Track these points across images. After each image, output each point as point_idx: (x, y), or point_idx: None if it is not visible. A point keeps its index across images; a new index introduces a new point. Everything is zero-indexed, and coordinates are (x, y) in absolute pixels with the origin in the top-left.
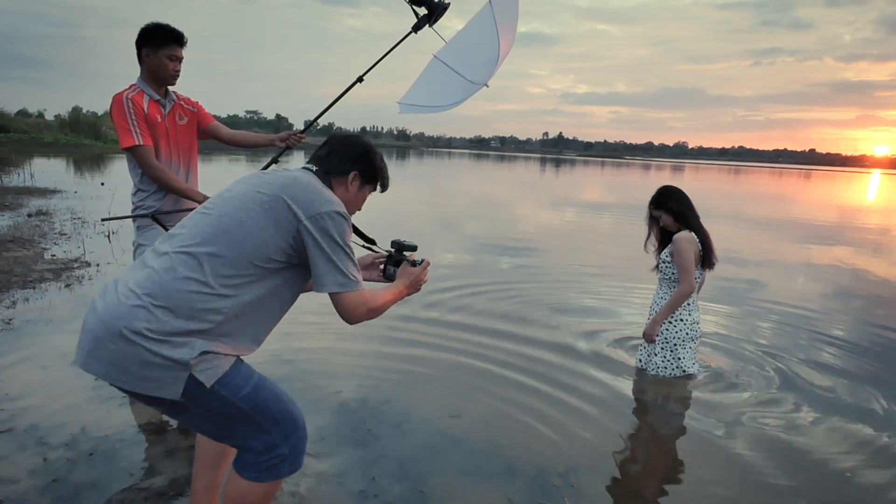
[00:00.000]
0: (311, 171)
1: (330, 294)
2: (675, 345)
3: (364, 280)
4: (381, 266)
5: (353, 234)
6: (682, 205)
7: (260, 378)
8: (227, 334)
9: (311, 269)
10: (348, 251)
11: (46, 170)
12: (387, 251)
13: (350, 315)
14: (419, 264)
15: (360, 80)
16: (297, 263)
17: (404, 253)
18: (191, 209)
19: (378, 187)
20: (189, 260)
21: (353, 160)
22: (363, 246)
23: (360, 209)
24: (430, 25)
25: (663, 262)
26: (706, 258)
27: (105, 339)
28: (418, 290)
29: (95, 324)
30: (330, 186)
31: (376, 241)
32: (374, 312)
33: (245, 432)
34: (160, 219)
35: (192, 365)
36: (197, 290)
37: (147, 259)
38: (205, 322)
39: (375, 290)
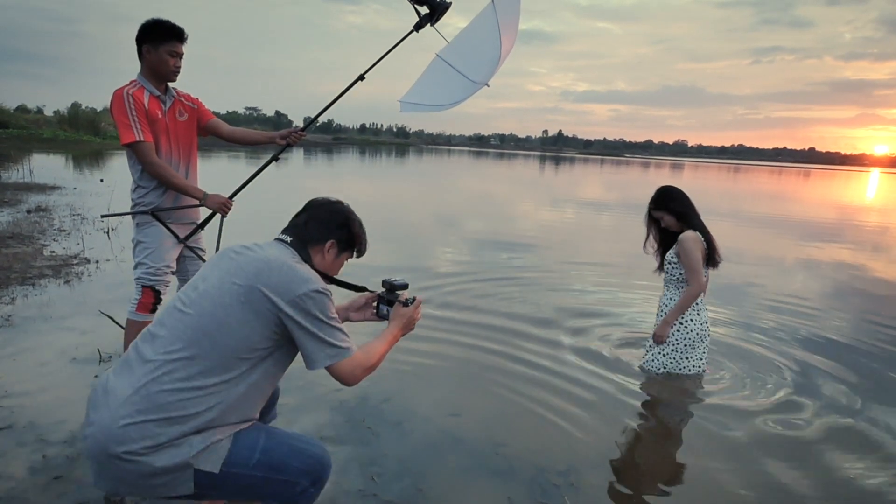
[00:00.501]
0: (286, 242)
1: (325, 367)
2: (686, 346)
3: (359, 321)
4: (375, 305)
5: (342, 286)
6: (683, 205)
7: (268, 437)
8: (223, 423)
9: (299, 350)
10: (334, 323)
11: (45, 166)
12: (378, 293)
13: (348, 380)
14: (411, 303)
15: (361, 78)
16: (284, 344)
17: (396, 292)
18: (190, 206)
19: (354, 254)
20: (174, 368)
21: (332, 228)
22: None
23: (337, 273)
24: (432, 24)
25: (669, 263)
26: (710, 257)
27: (105, 462)
28: (412, 328)
29: (94, 446)
30: (307, 255)
31: (367, 286)
32: (372, 369)
33: (273, 491)
34: (160, 215)
35: (193, 463)
36: (188, 397)
37: (133, 365)
38: (200, 421)
39: (368, 347)
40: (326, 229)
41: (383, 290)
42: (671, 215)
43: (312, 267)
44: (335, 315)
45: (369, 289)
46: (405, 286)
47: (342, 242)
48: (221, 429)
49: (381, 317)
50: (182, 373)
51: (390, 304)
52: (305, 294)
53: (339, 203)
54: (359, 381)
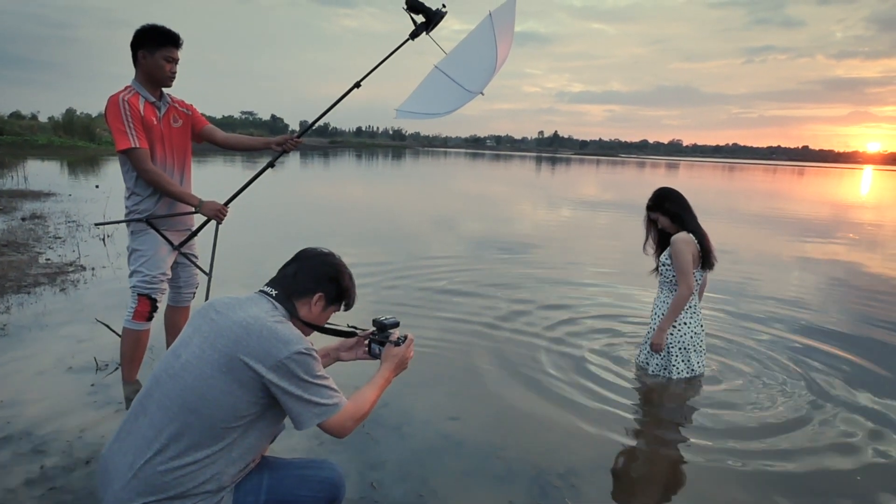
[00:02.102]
0: (270, 295)
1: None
2: (681, 349)
3: (350, 360)
4: (367, 344)
5: (331, 334)
6: (678, 206)
7: (271, 474)
8: (227, 485)
9: (286, 412)
10: (319, 382)
11: (40, 172)
12: (369, 332)
13: (338, 434)
14: (403, 341)
15: (357, 85)
16: (273, 405)
17: (387, 332)
18: (185, 213)
19: (343, 307)
20: (164, 447)
21: (321, 281)
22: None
23: (323, 324)
24: (427, 33)
25: (663, 265)
26: (705, 259)
27: None
28: (406, 367)
29: None
30: (292, 308)
31: (355, 326)
32: (363, 418)
33: None
34: (155, 223)
35: None
36: (183, 473)
37: (129, 439)
38: (201, 491)
39: (359, 396)
40: (315, 282)
41: (373, 329)
42: (665, 216)
43: (299, 319)
44: (321, 373)
45: (359, 329)
46: (396, 324)
47: (331, 296)
48: (225, 489)
49: (373, 356)
50: (172, 451)
51: (382, 343)
52: (288, 357)
53: (330, 255)
54: (349, 432)
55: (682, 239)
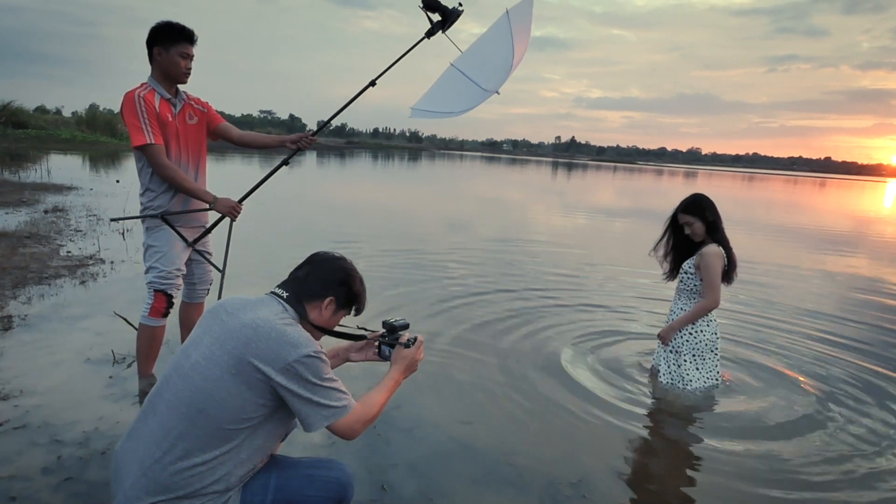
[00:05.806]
0: (281, 297)
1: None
2: (695, 355)
3: (360, 361)
4: (377, 345)
5: (341, 337)
6: (715, 215)
7: (279, 473)
8: (235, 486)
9: (295, 414)
10: (328, 384)
11: (63, 166)
12: (379, 334)
13: (347, 436)
14: (413, 343)
15: (372, 83)
16: (282, 406)
17: (397, 334)
18: (200, 210)
19: (353, 312)
20: (172, 446)
21: (331, 285)
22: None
23: (333, 327)
24: (444, 31)
25: (685, 273)
26: (727, 273)
27: None
28: (415, 370)
29: None
30: (303, 311)
31: (365, 327)
32: (372, 420)
33: None
34: (169, 219)
35: None
36: (192, 474)
37: (139, 438)
38: (210, 491)
39: (368, 399)
40: (326, 286)
41: (384, 331)
42: (703, 224)
43: (308, 322)
44: (329, 375)
45: (368, 330)
46: (406, 326)
47: (341, 300)
48: (233, 489)
49: (383, 358)
50: (180, 451)
51: (391, 345)
52: (296, 360)
53: (342, 260)
54: (358, 434)
55: (714, 252)
